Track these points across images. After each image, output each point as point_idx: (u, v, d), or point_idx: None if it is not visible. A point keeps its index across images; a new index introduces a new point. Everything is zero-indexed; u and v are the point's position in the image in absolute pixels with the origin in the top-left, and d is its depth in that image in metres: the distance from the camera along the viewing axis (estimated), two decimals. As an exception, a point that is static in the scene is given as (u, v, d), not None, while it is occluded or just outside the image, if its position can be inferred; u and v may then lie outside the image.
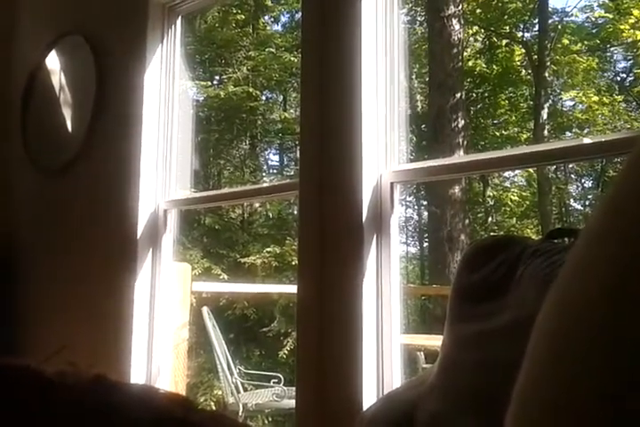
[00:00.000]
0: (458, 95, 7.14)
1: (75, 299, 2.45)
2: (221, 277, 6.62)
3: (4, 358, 0.50)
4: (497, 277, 1.05)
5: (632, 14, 7.60)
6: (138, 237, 2.28)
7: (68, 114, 2.73)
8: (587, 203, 10.21)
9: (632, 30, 7.65)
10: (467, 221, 7.11)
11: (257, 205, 8.60)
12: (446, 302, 1.19)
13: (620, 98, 9.35)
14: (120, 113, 2.43)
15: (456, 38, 7.20)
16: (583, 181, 10.28)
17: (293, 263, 6.69)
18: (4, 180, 2.93)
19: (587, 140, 1.50)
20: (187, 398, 0.60)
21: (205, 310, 3.84)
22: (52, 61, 2.80)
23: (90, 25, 2.60)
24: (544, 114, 8.80)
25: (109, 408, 0.51)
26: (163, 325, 2.26)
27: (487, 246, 1.14)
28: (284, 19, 10.62)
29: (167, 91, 2.39)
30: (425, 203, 9.24)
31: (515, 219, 9.64)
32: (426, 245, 9.51)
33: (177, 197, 2.38)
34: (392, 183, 1.72)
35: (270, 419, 4.91)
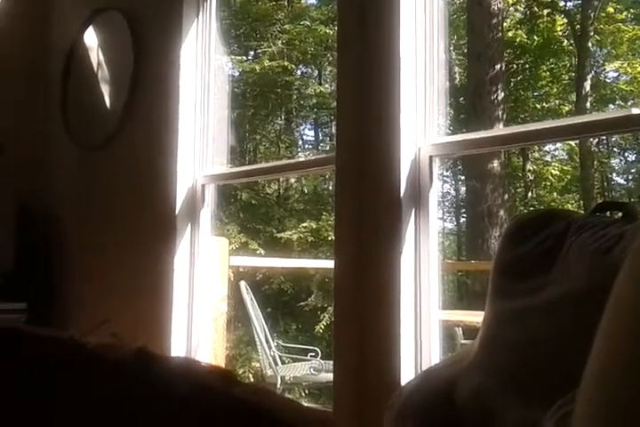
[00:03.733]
0: (497, 67, 6.96)
1: (115, 273, 2.50)
2: (258, 251, 6.68)
3: (49, 330, 0.50)
4: (542, 251, 1.02)
5: (683, -21, 7.25)
6: (176, 211, 2.30)
7: (106, 90, 2.75)
8: (630, 177, 9.93)
9: (682, -4, 7.31)
10: (506, 195, 6.99)
11: (292, 180, 8.61)
12: (484, 277, 1.17)
13: (667, 68, 8.99)
14: (157, 89, 2.43)
15: (496, 8, 7.00)
16: (626, 154, 9.98)
17: (329, 239, 6.70)
18: (45, 155, 2.99)
19: (635, 111, 1.44)
20: (229, 371, 0.60)
21: (243, 284, 3.89)
22: (90, 38, 2.82)
23: (126, 0, 2.59)
24: (586, 86, 8.53)
25: (152, 381, 0.51)
26: (202, 298, 2.29)
27: (531, 221, 1.11)
28: (318, -9, 10.46)
29: (203, 66, 2.39)
30: (463, 178, 9.10)
31: (555, 193, 9.44)
32: (463, 220, 9.40)
33: (214, 172, 2.39)
34: (431, 157, 1.69)
35: (307, 392, 4.98)
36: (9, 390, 0.44)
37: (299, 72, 9.53)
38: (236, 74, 8.67)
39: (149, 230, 2.40)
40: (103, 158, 2.68)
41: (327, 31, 8.52)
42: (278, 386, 3.63)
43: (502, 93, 7.00)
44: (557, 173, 9.16)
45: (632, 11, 9.07)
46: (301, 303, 6.60)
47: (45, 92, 2.99)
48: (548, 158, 9.69)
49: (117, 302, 2.43)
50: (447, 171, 9.52)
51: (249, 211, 7.96)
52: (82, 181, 2.81)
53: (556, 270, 0.99)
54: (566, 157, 9.59)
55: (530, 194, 9.50)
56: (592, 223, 1.00)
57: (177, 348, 2.24)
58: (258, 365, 4.86)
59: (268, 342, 3.84)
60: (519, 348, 0.98)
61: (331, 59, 9.15)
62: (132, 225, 2.48)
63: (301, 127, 10.40)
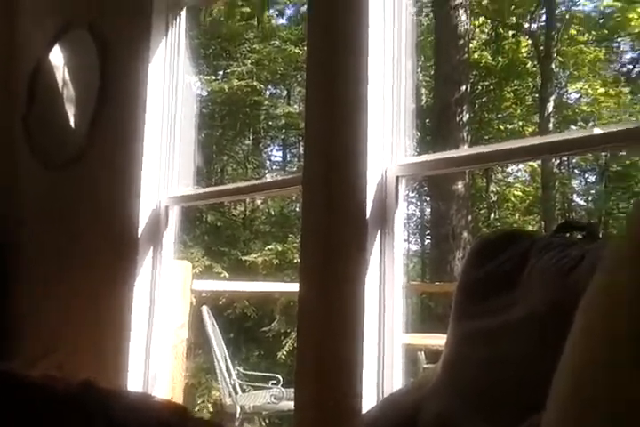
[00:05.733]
0: (463, 88, 7.09)
1: (74, 295, 2.43)
2: (222, 275, 6.59)
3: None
4: (505, 271, 1.03)
5: (641, 3, 7.51)
6: (139, 234, 2.26)
7: (71, 109, 2.71)
8: (589, 198, 10.14)
9: (640, 20, 7.57)
10: (469, 217, 7.06)
11: (259, 202, 8.58)
12: (448, 300, 1.17)
13: (626, 90, 9.26)
14: (123, 108, 2.40)
15: (462, 29, 7.14)
16: (586, 175, 10.21)
17: (295, 261, 6.65)
18: (8, 174, 2.91)
19: (597, 131, 1.47)
20: (182, 406, 0.58)
21: (205, 309, 3.80)
22: (56, 56, 2.78)
23: (93, 19, 2.56)
24: (549, 107, 8.73)
25: (100, 416, 0.48)
26: (162, 324, 2.24)
27: (494, 241, 1.11)
28: (289, 11, 10.55)
29: (171, 85, 2.37)
30: (428, 199, 9.19)
31: (518, 214, 9.59)
32: (427, 242, 9.47)
33: (179, 193, 2.36)
34: (397, 177, 1.69)
35: (268, 421, 4.83)
36: None
37: (267, 92, 9.56)
38: (205, 93, 8.66)
39: (110, 253, 2.35)
40: (67, 178, 2.62)
41: (297, 51, 8.58)
42: (237, 416, 3.50)
43: (467, 115, 7.12)
44: (520, 193, 9.32)
45: (593, 33, 9.35)
46: (264, 329, 6.50)
47: (10, 110, 2.93)
48: (510, 179, 9.86)
49: (76, 325, 2.35)
50: (412, 192, 9.60)
51: (214, 233, 7.88)
52: (46, 201, 2.74)
53: (520, 291, 0.99)
54: (528, 178, 9.77)
55: (493, 215, 9.63)
56: (554, 244, 1.00)
57: (134, 377, 2.17)
58: (217, 393, 4.73)
59: (228, 369, 3.73)
60: (483, 368, 0.97)
61: (300, 79, 9.21)
62: (94, 246, 2.42)
63: (269, 148, 10.41)
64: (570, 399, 0.31)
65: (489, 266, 1.07)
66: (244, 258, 7.10)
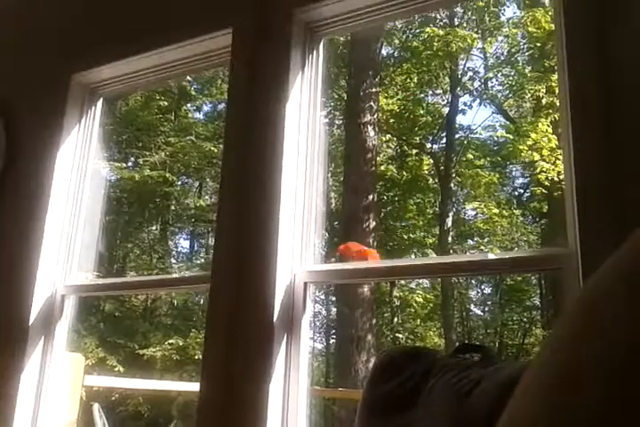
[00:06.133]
0: (370, 197, 7.43)
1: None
2: (116, 369, 6.21)
3: None
4: (407, 389, 1.06)
5: (530, 137, 8.35)
6: (30, 322, 2.12)
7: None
8: (486, 309, 10.59)
9: (530, 151, 8.37)
10: (374, 320, 7.16)
11: (162, 292, 8.32)
12: (351, 404, 1.18)
13: (518, 212, 10.03)
14: (26, 188, 2.33)
15: (370, 144, 7.60)
16: (483, 287, 10.72)
17: (196, 357, 6.39)
18: None
19: (491, 256, 1.60)
20: None
21: (96, 407, 3.54)
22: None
23: (3, 98, 2.52)
24: (448, 221, 9.26)
25: None
26: (48, 422, 2.06)
27: (397, 358, 1.15)
28: (206, 108, 10.87)
29: (80, 168, 2.32)
30: (334, 299, 9.26)
31: (419, 320, 9.81)
32: (332, 341, 9.42)
33: (77, 282, 2.25)
34: (305, 283, 1.72)
35: None
36: None
37: (179, 183, 9.60)
38: (114, 179, 8.57)
39: (-4, 342, 2.18)
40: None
41: (212, 148, 8.76)
42: None
43: (374, 222, 7.41)
44: (421, 300, 9.59)
45: (488, 158, 10.20)
46: (161, 429, 6.10)
47: None
48: (413, 285, 10.17)
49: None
50: (319, 291, 9.65)
51: (111, 323, 7.51)
52: None
53: (421, 409, 1.02)
54: (429, 286, 10.11)
55: (396, 319, 9.79)
56: (453, 364, 1.06)
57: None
58: None
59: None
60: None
61: (213, 173, 9.34)
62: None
63: (177, 236, 10.28)
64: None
65: (392, 383, 1.10)
66: (141, 351, 6.75)
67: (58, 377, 2.11)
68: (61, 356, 2.14)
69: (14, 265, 2.25)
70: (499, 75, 9.68)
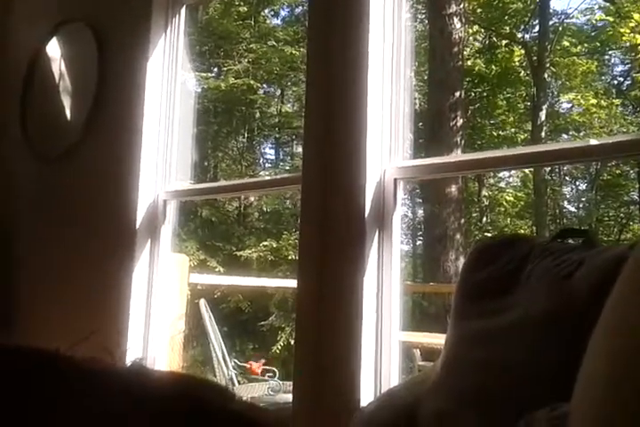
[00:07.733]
0: (457, 94, 7.13)
1: (71, 287, 2.43)
2: (217, 269, 6.61)
3: (25, 344, 0.49)
4: (504, 274, 1.05)
5: (632, 18, 7.60)
6: (137, 226, 2.26)
7: (67, 102, 2.70)
8: (580, 205, 10.24)
9: (632, 34, 7.66)
10: (462, 220, 7.11)
11: (252, 199, 8.58)
12: (440, 300, 1.19)
13: (617, 101, 9.35)
14: (121, 102, 2.41)
15: (457, 37, 7.18)
16: (577, 183, 10.31)
17: (289, 258, 6.67)
18: (3, 166, 2.91)
19: (593, 142, 1.51)
20: (225, 387, 0.59)
21: (203, 301, 3.82)
22: (53, 48, 2.77)
23: (92, 12, 2.57)
24: (542, 115, 8.80)
25: (147, 396, 0.49)
26: (159, 316, 2.25)
27: (494, 245, 1.14)
28: (283, 13, 10.55)
29: (169, 81, 2.37)
30: (420, 201, 9.23)
31: (509, 219, 9.65)
32: (419, 243, 9.51)
33: (176, 187, 2.37)
34: (395, 179, 1.71)
35: (264, 413, 4.91)
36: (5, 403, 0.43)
37: (262, 91, 9.57)
38: (200, 90, 8.65)
39: (108, 245, 2.35)
40: (63, 171, 2.62)
41: (293, 52, 8.59)
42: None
43: (461, 120, 7.16)
44: (511, 199, 9.38)
45: (586, 45, 9.44)
46: (261, 323, 6.55)
47: (4, 102, 2.92)
48: (502, 185, 9.93)
49: (73, 316, 2.36)
50: (405, 194, 9.64)
51: (209, 228, 7.89)
52: (41, 193, 2.73)
53: (519, 293, 1.01)
54: (520, 184, 9.84)
55: (485, 219, 9.69)
56: (554, 248, 1.03)
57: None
58: (215, 385, 4.75)
59: (225, 361, 3.77)
60: (483, 369, 0.99)
61: (295, 79, 9.22)
62: (91, 240, 2.42)
63: (262, 146, 10.41)
64: (606, 381, 0.32)
65: (488, 269, 1.09)
66: (238, 253, 7.12)
67: (165, 276, 2.27)
68: (167, 256, 2.29)
69: (116, 176, 2.38)
70: (597, -51, 8.71)
